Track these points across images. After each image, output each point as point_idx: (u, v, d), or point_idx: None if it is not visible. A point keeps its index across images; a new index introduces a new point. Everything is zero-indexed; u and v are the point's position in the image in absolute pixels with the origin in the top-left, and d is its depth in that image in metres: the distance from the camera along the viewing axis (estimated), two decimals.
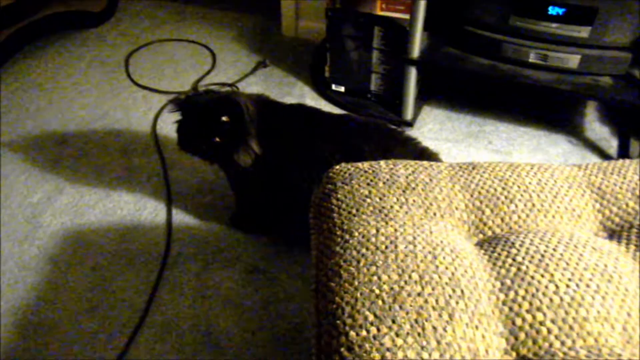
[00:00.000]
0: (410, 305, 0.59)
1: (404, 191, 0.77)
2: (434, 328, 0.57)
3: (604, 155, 1.61)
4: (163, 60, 2.09)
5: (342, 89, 1.84)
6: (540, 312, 0.59)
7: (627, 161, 0.83)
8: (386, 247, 0.67)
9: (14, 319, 1.20)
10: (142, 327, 1.18)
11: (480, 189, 0.78)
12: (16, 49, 2.07)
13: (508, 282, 0.63)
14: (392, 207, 0.74)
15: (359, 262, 0.66)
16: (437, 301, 0.60)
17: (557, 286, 0.61)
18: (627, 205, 0.76)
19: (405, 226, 0.70)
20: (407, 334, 0.57)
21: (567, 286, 0.61)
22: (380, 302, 0.60)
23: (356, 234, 0.70)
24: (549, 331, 0.58)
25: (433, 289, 0.61)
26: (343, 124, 1.25)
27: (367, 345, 0.56)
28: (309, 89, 1.91)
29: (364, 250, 0.67)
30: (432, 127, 1.73)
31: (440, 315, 0.58)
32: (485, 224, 0.75)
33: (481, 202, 0.76)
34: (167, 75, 2.00)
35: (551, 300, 0.60)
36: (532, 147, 1.64)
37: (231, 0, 2.48)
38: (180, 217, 1.44)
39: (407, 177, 0.79)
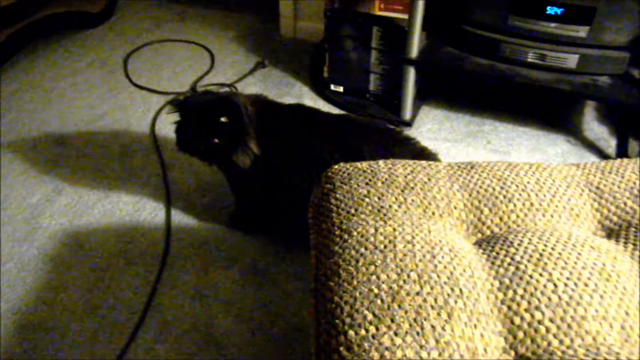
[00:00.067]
0: (409, 305, 0.59)
1: (402, 191, 0.77)
2: (433, 327, 0.57)
3: (603, 155, 1.61)
4: (162, 60, 2.09)
5: (341, 89, 1.84)
6: (538, 311, 0.59)
7: (625, 160, 0.83)
8: (385, 247, 0.67)
9: (14, 319, 1.20)
10: (141, 327, 1.18)
11: (478, 188, 0.78)
12: (16, 49, 2.06)
13: (507, 281, 0.63)
14: (390, 206, 0.74)
15: (357, 261, 0.66)
16: (435, 300, 0.60)
17: (555, 285, 0.61)
18: (625, 204, 0.76)
19: (404, 226, 0.70)
20: (406, 333, 0.57)
21: (566, 285, 0.61)
22: (379, 302, 0.60)
23: (355, 233, 0.70)
24: (548, 330, 0.58)
25: (432, 288, 0.61)
26: (342, 124, 1.25)
27: (366, 345, 0.56)
28: (307, 89, 1.91)
29: (362, 250, 0.67)
30: (431, 127, 1.73)
31: (439, 314, 0.58)
32: (483, 223, 0.75)
33: (480, 201, 0.77)
34: (165, 76, 2.00)
35: (550, 299, 0.60)
36: (531, 147, 1.64)
37: (230, 1, 2.48)
38: (180, 218, 1.44)
39: (405, 177, 0.79)
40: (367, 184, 0.79)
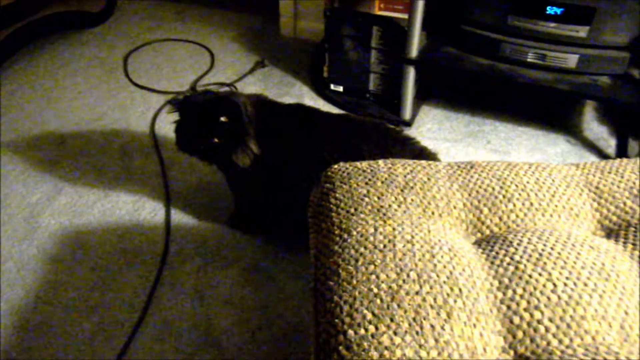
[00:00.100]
0: (409, 304, 0.59)
1: (402, 190, 0.77)
2: (432, 326, 0.57)
3: (603, 155, 1.61)
4: (162, 60, 2.09)
5: (341, 88, 1.85)
6: (538, 311, 0.59)
7: (625, 160, 0.83)
8: (384, 246, 0.67)
9: (13, 318, 1.20)
10: (141, 326, 1.18)
11: (478, 188, 0.78)
12: (15, 49, 2.07)
13: (506, 280, 0.63)
14: (390, 206, 0.74)
15: (357, 261, 0.66)
16: (435, 300, 0.60)
17: (554, 285, 0.61)
18: (624, 204, 0.76)
19: (403, 225, 0.70)
20: (405, 332, 0.57)
21: (565, 285, 0.61)
22: (378, 301, 0.60)
23: (354, 233, 0.70)
24: (547, 329, 0.58)
25: (431, 287, 0.61)
26: (342, 124, 1.25)
27: (365, 344, 0.57)
28: (307, 89, 1.91)
29: (362, 249, 0.67)
30: (431, 126, 1.73)
31: (438, 314, 0.58)
32: (483, 223, 0.75)
33: (479, 201, 0.77)
34: (165, 76, 2.00)
35: (549, 298, 0.60)
36: (531, 147, 1.64)
37: (230, 0, 2.48)
38: (179, 217, 1.44)
39: (405, 177, 0.79)
40: (366, 183, 0.79)
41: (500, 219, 0.74)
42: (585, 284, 0.61)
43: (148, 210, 1.46)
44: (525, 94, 1.81)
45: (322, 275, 0.68)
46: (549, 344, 0.57)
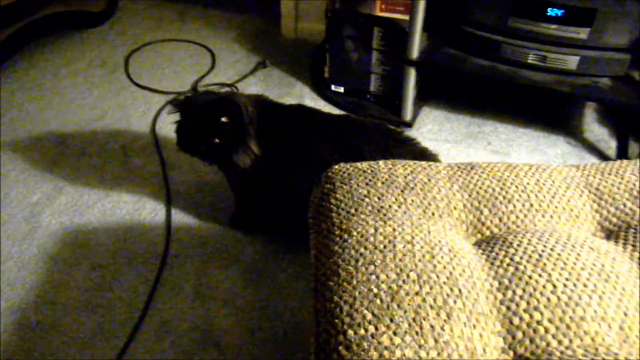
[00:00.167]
0: (409, 304, 0.59)
1: (402, 191, 0.77)
2: (432, 327, 0.57)
3: (603, 157, 1.62)
4: (163, 60, 2.10)
5: (342, 89, 1.85)
6: (537, 312, 0.60)
7: (625, 162, 0.84)
8: (384, 247, 0.67)
9: (13, 318, 1.20)
10: (141, 326, 1.18)
11: (478, 189, 0.78)
12: (16, 48, 2.07)
13: (506, 281, 0.63)
14: (390, 206, 0.75)
15: (357, 261, 0.66)
16: (435, 300, 0.60)
17: (554, 286, 0.61)
18: (624, 205, 0.76)
19: (403, 226, 0.71)
20: (405, 332, 0.57)
21: (565, 286, 0.61)
22: (378, 301, 0.60)
23: (355, 233, 0.71)
24: (547, 330, 0.58)
25: (431, 288, 0.61)
26: (342, 125, 1.25)
27: (365, 344, 0.57)
28: (308, 90, 1.91)
29: (362, 250, 0.67)
30: (432, 127, 1.74)
31: (438, 314, 0.59)
32: (483, 224, 0.75)
33: (479, 202, 0.77)
34: (166, 76, 2.00)
35: (548, 299, 0.60)
36: (531, 148, 1.64)
37: (231, 1, 2.48)
38: (180, 217, 1.44)
39: (405, 177, 0.79)
40: (367, 184, 0.79)
41: (501, 220, 0.75)
42: (585, 285, 0.62)
43: (148, 210, 1.46)
44: (526, 95, 1.81)
45: (323, 276, 0.68)
46: (548, 344, 0.57)
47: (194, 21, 2.34)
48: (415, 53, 1.61)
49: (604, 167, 0.83)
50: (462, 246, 0.69)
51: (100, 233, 1.40)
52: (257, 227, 1.40)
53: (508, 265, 0.65)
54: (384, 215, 0.73)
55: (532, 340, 0.58)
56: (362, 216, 0.73)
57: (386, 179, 0.79)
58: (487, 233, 0.74)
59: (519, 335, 0.59)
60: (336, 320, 0.60)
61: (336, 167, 0.85)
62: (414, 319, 0.58)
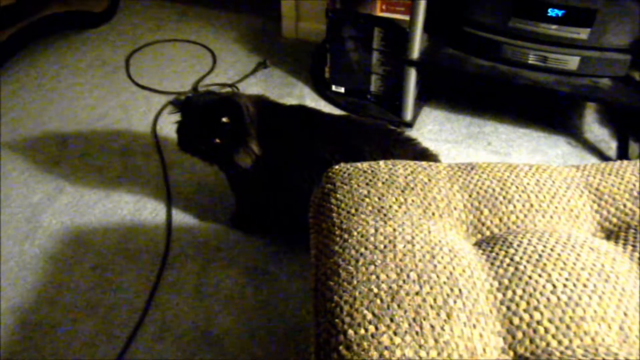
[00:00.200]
0: (409, 304, 0.60)
1: (402, 191, 0.77)
2: (432, 327, 0.57)
3: (603, 157, 1.62)
4: (163, 60, 2.10)
5: (342, 89, 1.85)
6: (537, 312, 0.60)
7: (625, 162, 0.84)
8: (385, 247, 0.67)
9: (14, 318, 1.20)
10: (141, 326, 1.19)
11: (478, 189, 0.78)
12: (17, 49, 2.07)
13: (506, 281, 0.63)
14: (390, 206, 0.75)
15: (357, 261, 0.66)
16: (435, 300, 0.60)
17: (554, 286, 0.62)
18: (624, 206, 0.76)
19: (403, 226, 0.71)
20: (405, 332, 0.57)
21: (565, 286, 0.61)
22: (378, 301, 0.60)
23: (355, 233, 0.71)
24: (546, 330, 0.58)
25: (431, 288, 0.61)
26: (343, 125, 1.25)
27: (365, 344, 0.57)
28: (309, 90, 1.91)
29: (362, 250, 0.68)
30: (432, 128, 1.74)
31: (438, 314, 0.59)
32: (483, 224, 0.75)
33: (480, 202, 0.77)
34: (167, 76, 2.01)
35: (548, 299, 0.60)
36: (531, 149, 1.65)
37: (232, 1, 2.48)
38: (180, 217, 1.44)
39: (406, 177, 0.79)
40: (367, 184, 0.79)
41: (501, 220, 0.75)
42: (585, 285, 0.62)
43: (149, 211, 1.46)
44: (526, 95, 1.82)
45: (323, 275, 0.68)
46: (548, 344, 0.57)
47: (195, 21, 2.35)
48: (415, 53, 1.61)
49: (604, 168, 0.83)
50: (462, 246, 0.70)
51: (101, 233, 1.40)
52: (257, 227, 1.40)
53: (508, 265, 0.65)
54: (385, 215, 0.73)
55: (532, 340, 0.58)
56: (363, 216, 0.73)
57: (386, 179, 0.79)
58: (487, 233, 0.74)
59: (519, 335, 0.59)
60: (336, 320, 0.60)
61: (337, 167, 0.85)
62: (414, 319, 0.58)
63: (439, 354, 0.55)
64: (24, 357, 1.13)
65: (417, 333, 0.57)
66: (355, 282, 0.63)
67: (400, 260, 0.65)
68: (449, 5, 1.62)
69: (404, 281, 0.62)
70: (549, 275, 0.63)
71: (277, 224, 1.38)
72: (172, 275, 1.29)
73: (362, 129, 1.22)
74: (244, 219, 1.41)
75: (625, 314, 0.60)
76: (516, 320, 0.60)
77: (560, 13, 1.44)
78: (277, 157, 1.21)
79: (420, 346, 0.56)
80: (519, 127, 1.72)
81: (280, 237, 1.37)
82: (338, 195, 0.78)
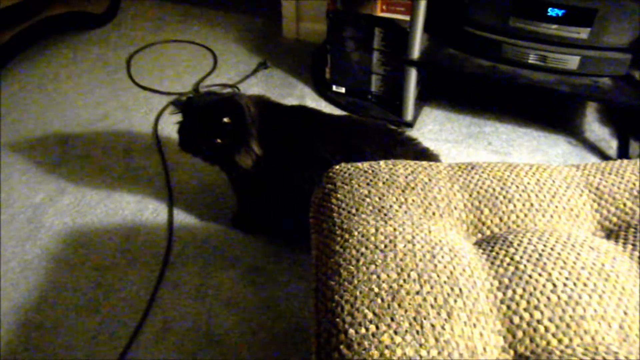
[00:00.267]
0: (409, 304, 0.60)
1: (403, 191, 0.77)
2: (433, 326, 0.58)
3: (604, 156, 1.62)
4: (164, 61, 2.10)
5: (343, 90, 1.85)
6: (537, 311, 0.60)
7: (625, 161, 0.84)
8: (385, 246, 0.67)
9: (16, 317, 1.21)
10: (143, 326, 1.19)
11: (479, 188, 0.79)
12: (19, 50, 2.07)
13: (506, 280, 0.64)
14: (391, 206, 0.75)
15: (358, 261, 0.66)
16: (435, 299, 0.60)
17: (554, 285, 0.62)
18: (624, 205, 0.77)
19: (404, 225, 0.71)
20: (406, 331, 0.57)
21: (565, 285, 0.62)
22: (379, 301, 0.61)
23: (356, 233, 0.71)
24: (547, 329, 0.58)
25: (432, 287, 0.62)
26: (343, 125, 1.25)
27: (366, 343, 0.57)
28: (309, 90, 1.92)
29: (363, 249, 0.68)
30: (432, 127, 1.74)
31: (438, 314, 0.59)
32: (483, 224, 0.75)
33: (480, 201, 0.77)
34: (168, 77, 2.01)
35: (549, 298, 0.61)
36: (532, 148, 1.65)
37: (232, 1, 2.49)
38: (182, 218, 1.44)
39: (406, 177, 0.80)
40: (368, 184, 0.79)
41: (501, 219, 0.75)
42: (585, 284, 0.62)
43: (151, 211, 1.46)
44: (527, 95, 1.82)
45: (324, 275, 0.68)
46: (548, 343, 0.58)
47: (196, 22, 2.35)
48: (416, 53, 1.61)
49: (604, 167, 0.83)
50: (462, 246, 0.70)
51: (102, 233, 1.40)
52: (258, 227, 1.40)
53: (508, 264, 0.65)
54: (385, 215, 0.73)
55: (532, 339, 0.58)
56: (363, 216, 0.74)
57: (387, 179, 0.79)
58: (488, 232, 0.74)
59: (519, 334, 0.59)
60: (337, 320, 0.61)
61: (337, 167, 0.85)
62: (414, 318, 0.58)
63: (439, 353, 0.55)
64: (25, 357, 1.14)
65: (417, 332, 0.57)
66: (356, 281, 0.64)
67: (401, 259, 0.65)
68: (449, 5, 1.62)
69: (404, 280, 0.62)
70: (549, 274, 0.63)
71: (278, 224, 1.38)
72: (174, 275, 1.30)
73: (362, 129, 1.22)
74: (245, 219, 1.41)
75: (625, 313, 0.60)
76: (516, 319, 0.60)
77: (560, 13, 1.44)
78: (278, 157, 1.22)
79: (420, 345, 0.56)
80: (520, 127, 1.72)
81: (281, 237, 1.38)
82: (339, 195, 0.79)
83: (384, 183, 0.79)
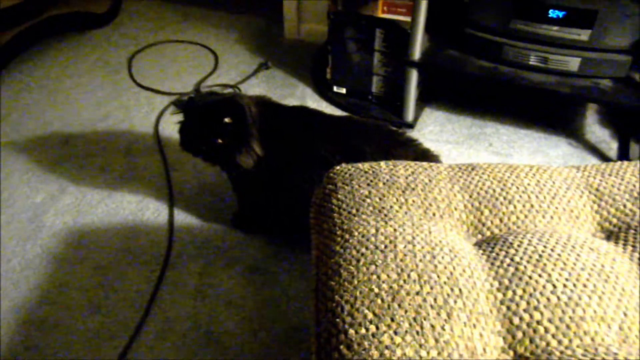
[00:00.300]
0: (409, 304, 0.60)
1: (403, 192, 0.77)
2: (432, 326, 0.58)
3: (604, 158, 1.62)
4: (166, 61, 2.10)
5: (344, 90, 1.85)
6: (537, 312, 0.60)
7: (625, 163, 0.84)
8: (385, 247, 0.67)
9: (17, 317, 1.21)
10: (143, 326, 1.19)
11: (479, 189, 0.79)
12: (20, 50, 2.08)
13: (506, 281, 0.64)
14: (391, 207, 0.75)
15: (358, 261, 0.67)
16: (435, 300, 0.60)
17: (554, 286, 0.62)
18: (624, 206, 0.77)
19: (404, 226, 0.71)
20: (406, 332, 0.57)
21: (565, 286, 0.62)
22: (379, 301, 0.61)
23: (356, 233, 0.71)
24: (546, 330, 0.59)
25: (432, 288, 0.62)
26: (344, 126, 1.26)
27: (366, 343, 0.57)
28: (310, 91, 1.92)
29: (363, 250, 0.68)
30: (433, 128, 1.74)
31: (438, 314, 0.59)
32: (484, 225, 0.75)
33: (480, 202, 0.77)
34: (169, 77, 2.01)
35: (548, 299, 0.61)
36: (532, 149, 1.65)
37: (234, 2, 2.49)
38: (182, 218, 1.45)
39: (406, 178, 0.80)
40: (368, 184, 0.79)
41: (501, 220, 0.75)
42: (585, 285, 0.62)
43: (151, 211, 1.47)
44: (527, 96, 1.82)
45: (324, 275, 0.68)
46: (548, 344, 0.58)
47: (197, 22, 2.35)
48: (417, 54, 1.62)
49: (604, 168, 0.83)
50: (462, 246, 0.70)
51: (103, 233, 1.41)
52: (259, 227, 1.40)
53: (508, 265, 0.66)
54: (385, 215, 0.74)
55: (532, 340, 0.58)
56: (364, 216, 0.74)
57: (387, 180, 0.79)
58: (488, 233, 0.74)
59: (519, 335, 0.59)
60: (337, 320, 0.61)
61: (338, 167, 0.85)
62: (414, 319, 0.58)
63: (439, 354, 0.56)
64: (25, 357, 1.14)
65: (417, 332, 0.57)
66: (356, 282, 0.64)
67: (401, 260, 0.65)
68: (450, 6, 1.62)
69: (404, 281, 0.62)
70: (549, 275, 0.63)
71: (279, 224, 1.38)
72: (174, 275, 1.30)
73: (363, 130, 1.22)
74: (245, 219, 1.41)
75: (624, 314, 0.60)
76: (516, 320, 0.60)
77: (561, 14, 1.44)
78: (278, 158, 1.22)
79: (420, 345, 0.56)
80: (520, 128, 1.73)
81: (281, 237, 1.38)
82: (339, 196, 0.79)
83: (384, 184, 0.79)
